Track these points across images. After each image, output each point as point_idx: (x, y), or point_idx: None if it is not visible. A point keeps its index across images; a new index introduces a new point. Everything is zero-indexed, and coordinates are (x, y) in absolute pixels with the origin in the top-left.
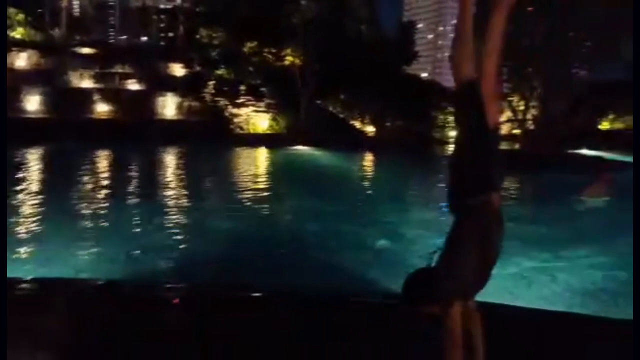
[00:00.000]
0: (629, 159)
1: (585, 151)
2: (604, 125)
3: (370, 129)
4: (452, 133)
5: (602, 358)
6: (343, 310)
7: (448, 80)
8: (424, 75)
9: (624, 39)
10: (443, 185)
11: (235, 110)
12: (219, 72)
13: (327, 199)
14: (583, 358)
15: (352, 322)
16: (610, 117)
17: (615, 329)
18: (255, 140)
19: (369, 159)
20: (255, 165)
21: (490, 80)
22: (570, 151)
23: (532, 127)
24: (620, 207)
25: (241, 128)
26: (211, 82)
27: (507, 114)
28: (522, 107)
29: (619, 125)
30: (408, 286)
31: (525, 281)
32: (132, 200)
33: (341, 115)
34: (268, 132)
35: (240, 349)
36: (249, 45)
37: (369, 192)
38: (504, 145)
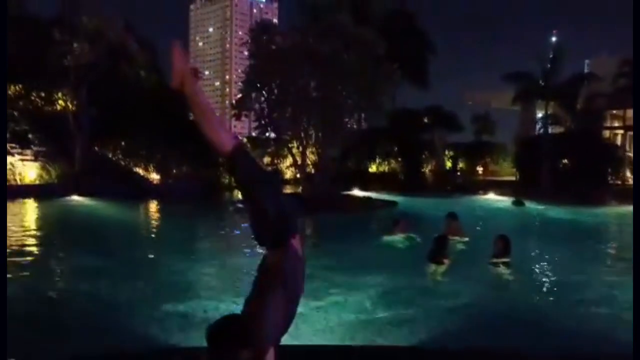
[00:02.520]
0: (391, 198)
1: (356, 192)
2: (372, 169)
3: (155, 176)
4: None
5: None
6: None
7: (235, 126)
8: None
9: (381, 92)
10: (231, 231)
11: None
12: None
13: (102, 253)
14: None
15: None
16: (378, 161)
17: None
18: (22, 192)
19: (152, 208)
20: (21, 219)
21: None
22: (344, 192)
23: (311, 171)
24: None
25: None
26: None
27: (289, 160)
28: (301, 153)
29: (383, 168)
30: (214, 333)
31: (302, 319)
32: None
33: (123, 163)
34: (37, 182)
35: None
36: (13, 88)
37: (151, 242)
38: (289, 189)
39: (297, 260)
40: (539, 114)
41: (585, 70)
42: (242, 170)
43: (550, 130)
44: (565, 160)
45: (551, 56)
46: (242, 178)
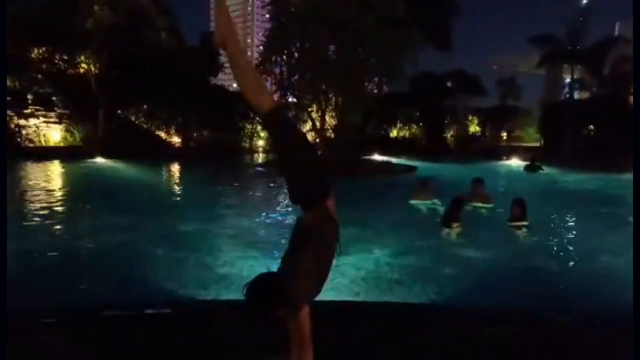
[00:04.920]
0: (412, 163)
1: (376, 157)
2: (393, 134)
3: (176, 140)
4: (260, 142)
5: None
6: None
7: None
8: (235, 86)
9: (403, 57)
10: (251, 193)
11: (22, 122)
12: None
13: (128, 212)
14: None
15: None
16: (399, 125)
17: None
18: (47, 153)
19: (175, 170)
20: (49, 180)
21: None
22: (364, 157)
23: (330, 135)
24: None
25: (31, 141)
26: None
27: (309, 124)
28: (320, 118)
29: (404, 133)
30: (252, 291)
31: None
32: None
33: (145, 126)
34: (62, 144)
35: None
36: (37, 51)
37: (175, 203)
38: None
39: (330, 222)
40: (566, 79)
41: (616, 33)
42: (278, 132)
43: (576, 96)
44: (591, 127)
45: (580, 18)
46: (278, 139)
